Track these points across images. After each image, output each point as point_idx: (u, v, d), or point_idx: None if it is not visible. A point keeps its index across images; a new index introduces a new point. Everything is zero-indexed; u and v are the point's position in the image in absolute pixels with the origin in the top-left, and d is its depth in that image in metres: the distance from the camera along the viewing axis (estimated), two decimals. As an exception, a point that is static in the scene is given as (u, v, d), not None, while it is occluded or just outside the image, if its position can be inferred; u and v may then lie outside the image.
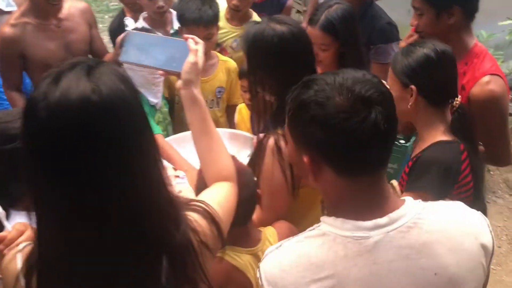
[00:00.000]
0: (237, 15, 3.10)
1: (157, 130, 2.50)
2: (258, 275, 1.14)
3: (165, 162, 2.35)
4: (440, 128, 1.74)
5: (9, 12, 2.95)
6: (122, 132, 0.93)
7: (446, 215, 1.15)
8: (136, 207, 0.96)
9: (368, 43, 2.69)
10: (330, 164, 1.10)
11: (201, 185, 1.42)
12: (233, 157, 1.67)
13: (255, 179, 1.69)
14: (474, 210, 1.19)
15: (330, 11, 2.23)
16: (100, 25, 3.53)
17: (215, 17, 2.61)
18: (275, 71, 1.69)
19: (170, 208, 1.03)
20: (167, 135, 2.60)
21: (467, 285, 1.10)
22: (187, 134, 2.39)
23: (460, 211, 1.18)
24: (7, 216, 1.52)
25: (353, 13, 2.31)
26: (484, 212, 1.88)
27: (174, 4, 2.84)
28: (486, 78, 1.98)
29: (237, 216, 1.33)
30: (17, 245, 1.28)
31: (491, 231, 1.17)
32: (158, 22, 2.82)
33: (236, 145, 2.43)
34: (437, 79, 1.73)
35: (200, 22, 2.53)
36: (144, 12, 2.84)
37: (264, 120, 1.75)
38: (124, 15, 3.12)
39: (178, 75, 1.36)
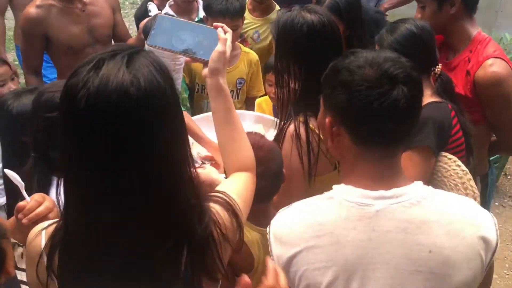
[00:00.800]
0: (260, 6, 3.12)
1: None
2: (267, 230, 1.23)
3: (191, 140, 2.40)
4: (427, 93, 1.87)
5: None
6: (157, 123, 0.94)
7: (452, 203, 1.20)
8: (163, 197, 0.98)
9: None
10: (347, 129, 1.18)
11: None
12: (261, 136, 1.69)
13: None
14: (485, 210, 1.22)
15: None
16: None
17: (242, 9, 2.62)
18: (302, 59, 1.70)
19: (196, 201, 1.05)
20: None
21: (461, 271, 1.13)
22: (207, 115, 2.43)
23: (468, 204, 1.22)
24: (48, 182, 1.59)
25: None
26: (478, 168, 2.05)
27: None
28: (489, 61, 2.04)
29: (262, 190, 1.34)
30: (37, 215, 1.33)
31: (497, 230, 1.19)
32: (184, 9, 2.84)
33: (261, 127, 2.47)
34: (419, 49, 1.89)
35: (227, 14, 2.55)
36: (171, 0, 2.87)
37: (287, 108, 1.76)
38: (149, 0, 3.15)
39: (205, 63, 1.36)
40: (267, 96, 2.75)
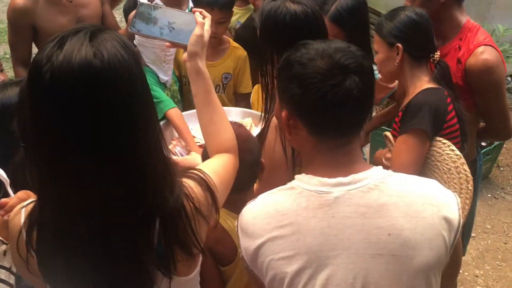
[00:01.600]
0: None
1: (171, 104, 2.53)
2: (236, 223, 1.26)
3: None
4: (425, 79, 1.92)
5: None
6: (122, 96, 0.96)
7: (411, 185, 1.21)
8: (133, 169, 1.00)
9: None
10: (303, 120, 1.20)
11: (204, 156, 1.44)
12: (240, 125, 1.70)
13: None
14: (448, 190, 1.25)
15: (341, 1, 2.28)
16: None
17: (231, 2, 2.60)
18: (284, 49, 1.69)
19: (166, 173, 1.06)
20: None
21: (423, 252, 1.14)
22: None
23: (429, 185, 1.23)
24: None
25: (364, 3, 2.35)
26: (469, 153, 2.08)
27: None
28: (480, 49, 2.06)
29: (239, 180, 1.36)
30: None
31: (459, 209, 1.21)
32: (174, 1, 2.82)
33: (250, 120, 2.47)
34: (419, 36, 1.93)
35: (215, 5, 2.53)
36: None
37: (270, 97, 1.76)
38: None
39: (184, 47, 1.38)
40: None
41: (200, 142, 2.36)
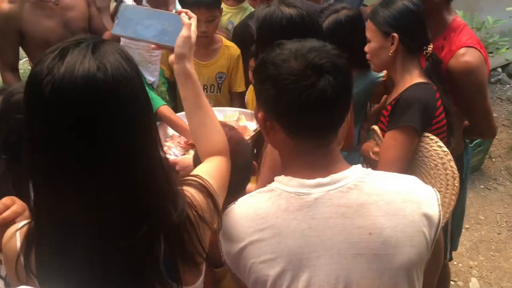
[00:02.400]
0: None
1: (161, 102, 2.52)
2: (217, 227, 1.23)
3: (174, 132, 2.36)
4: (415, 72, 1.90)
5: None
6: (125, 110, 0.93)
7: (391, 183, 1.20)
8: (135, 186, 0.97)
9: None
10: (279, 122, 1.19)
11: (196, 160, 1.43)
12: (231, 128, 1.69)
13: (255, 151, 1.72)
14: (427, 185, 1.24)
15: (335, 16, 2.23)
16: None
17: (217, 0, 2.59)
18: None
19: (168, 188, 1.04)
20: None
21: (404, 250, 1.14)
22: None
23: (409, 182, 1.23)
24: (26, 184, 1.55)
25: (359, 17, 2.29)
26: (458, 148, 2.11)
27: None
28: (462, 51, 2.05)
29: (230, 186, 1.35)
30: (3, 219, 1.28)
31: (439, 205, 1.20)
32: (160, 2, 2.80)
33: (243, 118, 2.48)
34: (415, 27, 1.89)
35: (202, 4, 2.52)
36: None
37: None
38: None
39: (171, 49, 1.35)
40: None
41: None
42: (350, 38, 2.19)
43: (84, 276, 0.98)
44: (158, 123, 2.51)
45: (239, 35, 2.93)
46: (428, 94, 1.85)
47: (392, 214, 1.14)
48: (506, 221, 3.59)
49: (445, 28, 2.13)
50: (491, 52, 4.11)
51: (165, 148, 2.45)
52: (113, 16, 3.14)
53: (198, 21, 2.51)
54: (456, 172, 1.81)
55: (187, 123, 2.34)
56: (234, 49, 2.82)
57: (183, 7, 2.60)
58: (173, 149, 2.42)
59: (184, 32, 1.32)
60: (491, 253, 3.36)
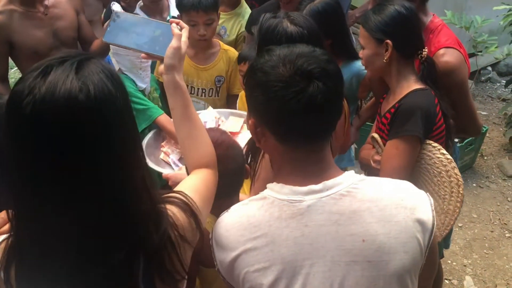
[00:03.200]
0: (230, 0, 3.09)
1: (159, 111, 2.52)
2: (210, 236, 1.23)
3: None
4: (412, 78, 1.89)
5: None
6: (107, 132, 0.92)
7: (383, 189, 1.19)
8: (116, 208, 0.96)
9: None
10: (269, 129, 1.18)
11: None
12: (223, 132, 1.69)
13: (251, 157, 1.72)
14: (420, 190, 1.23)
15: (311, 5, 2.30)
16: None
17: (215, 2, 2.59)
18: None
19: (152, 211, 1.03)
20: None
21: (397, 255, 1.13)
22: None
23: (402, 188, 1.22)
24: None
25: (336, 5, 2.35)
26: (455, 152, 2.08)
27: None
28: (441, 51, 2.08)
29: (223, 188, 1.34)
30: None
31: (433, 210, 1.20)
32: (153, 9, 2.80)
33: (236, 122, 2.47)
34: (408, 32, 1.88)
35: (199, 7, 2.51)
36: (140, 1, 2.83)
37: None
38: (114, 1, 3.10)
39: (161, 59, 1.33)
40: None
41: None
42: (329, 27, 2.23)
43: None
44: (154, 130, 2.51)
45: (256, 20, 2.95)
46: (428, 101, 1.83)
47: (385, 220, 1.14)
48: (499, 219, 3.62)
49: (422, 30, 2.12)
50: (480, 51, 4.14)
51: (161, 156, 2.45)
52: (103, 22, 3.13)
53: (197, 24, 2.56)
54: (460, 179, 1.80)
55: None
56: (232, 52, 2.83)
57: (180, 11, 2.60)
58: (172, 156, 2.41)
59: (174, 42, 1.30)
60: (485, 251, 3.37)
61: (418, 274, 1.20)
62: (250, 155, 1.76)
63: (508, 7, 3.99)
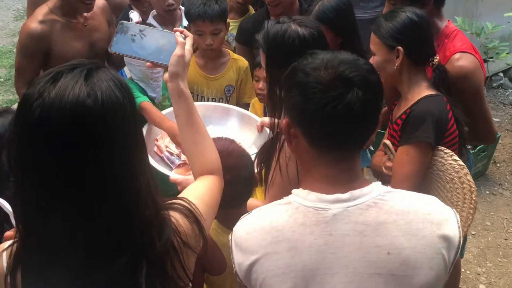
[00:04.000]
0: (238, 8, 3.11)
1: (143, 98, 2.55)
2: (229, 237, 1.22)
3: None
4: (423, 85, 1.88)
5: None
6: (113, 138, 0.94)
7: (410, 202, 1.17)
8: (120, 214, 0.98)
9: None
10: (302, 130, 1.17)
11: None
12: (232, 141, 1.69)
13: (263, 167, 1.72)
14: (447, 206, 1.21)
15: (324, 2, 2.32)
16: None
17: (222, 12, 2.60)
18: None
19: (155, 218, 1.04)
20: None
21: (422, 272, 1.11)
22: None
23: (428, 202, 1.20)
24: None
25: (348, 3, 2.37)
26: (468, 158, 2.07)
27: (183, 0, 2.84)
28: (456, 56, 2.06)
29: (233, 198, 1.34)
30: None
31: (459, 227, 1.17)
32: (167, 19, 2.82)
33: (243, 126, 2.49)
34: (420, 39, 1.87)
35: (206, 17, 2.53)
36: (154, 10, 2.85)
37: (280, 112, 1.76)
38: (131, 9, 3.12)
39: (165, 67, 1.36)
40: None
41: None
42: (340, 25, 2.26)
43: None
44: (147, 124, 2.51)
45: (244, 28, 2.96)
46: (439, 107, 1.82)
47: (411, 234, 1.11)
48: (513, 227, 3.58)
49: (437, 35, 2.14)
50: (491, 57, 4.12)
51: (155, 149, 2.44)
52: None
53: (203, 34, 2.58)
54: (473, 186, 1.78)
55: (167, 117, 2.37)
56: (242, 62, 2.83)
57: (188, 20, 2.62)
58: (166, 153, 2.40)
59: (177, 51, 1.33)
60: (499, 259, 3.33)
61: None
62: (263, 162, 1.76)
63: (519, 13, 3.97)
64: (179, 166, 2.35)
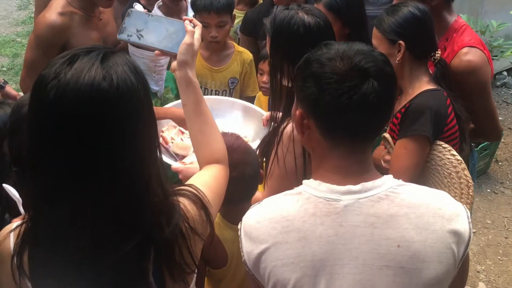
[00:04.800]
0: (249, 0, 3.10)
1: None
2: (239, 226, 1.22)
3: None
4: (424, 79, 1.89)
5: None
6: (127, 122, 0.94)
7: (422, 196, 1.17)
8: (128, 197, 0.98)
9: None
10: (316, 122, 1.16)
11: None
12: (237, 137, 1.70)
13: (264, 159, 1.72)
14: (458, 202, 1.21)
15: None
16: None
17: (228, 5, 2.59)
18: (295, 59, 1.70)
19: (163, 201, 1.04)
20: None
21: (432, 266, 1.11)
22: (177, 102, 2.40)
23: (439, 197, 1.20)
24: None
25: None
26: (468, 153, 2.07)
27: None
28: (464, 50, 2.05)
29: (239, 193, 1.34)
30: None
31: (469, 223, 1.17)
32: (172, 9, 2.81)
33: (248, 118, 2.48)
34: (422, 34, 1.88)
35: (211, 9, 2.52)
36: (159, 0, 2.84)
37: (280, 104, 1.75)
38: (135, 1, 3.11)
39: (174, 56, 1.36)
40: None
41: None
42: (350, 15, 2.25)
43: (76, 284, 0.99)
44: None
45: (250, 18, 2.96)
46: (438, 101, 1.83)
47: (422, 228, 1.11)
48: (514, 225, 3.58)
49: (446, 29, 2.14)
50: (496, 56, 4.11)
51: (160, 140, 2.44)
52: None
53: (209, 26, 2.58)
54: (470, 181, 1.78)
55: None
56: (246, 54, 2.83)
57: (194, 12, 2.62)
58: (171, 144, 2.39)
59: (187, 39, 1.33)
60: (499, 257, 3.34)
61: (448, 286, 1.17)
62: (264, 154, 1.76)
63: (524, 11, 3.95)
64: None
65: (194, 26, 1.37)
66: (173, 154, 2.37)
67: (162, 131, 2.47)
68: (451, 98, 1.88)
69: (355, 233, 1.11)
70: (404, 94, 1.94)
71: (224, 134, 1.63)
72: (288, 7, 1.74)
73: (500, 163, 4.21)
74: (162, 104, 2.69)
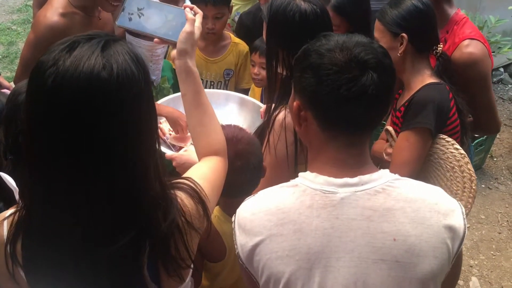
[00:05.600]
0: None
1: None
2: (233, 219, 1.21)
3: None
4: (426, 73, 1.89)
5: None
6: (126, 113, 0.93)
7: (418, 190, 1.17)
8: (126, 190, 0.96)
9: None
10: (314, 113, 1.15)
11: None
12: (241, 128, 1.68)
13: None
14: (453, 198, 1.21)
15: None
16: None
17: None
18: (291, 46, 1.68)
19: (162, 198, 1.03)
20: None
21: (427, 260, 1.11)
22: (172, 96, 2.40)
23: (435, 192, 1.20)
24: None
25: None
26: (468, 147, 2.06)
27: None
28: (465, 42, 2.06)
29: (243, 185, 1.32)
30: None
31: (464, 219, 1.17)
32: None
33: (244, 111, 2.47)
34: (424, 27, 1.88)
35: (209, 1, 2.51)
36: None
37: (274, 92, 1.74)
38: None
39: (174, 44, 1.33)
40: None
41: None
42: (354, 12, 2.26)
43: (70, 275, 0.98)
44: None
45: (244, 22, 2.94)
46: (441, 95, 1.83)
47: (418, 222, 1.11)
48: (507, 221, 3.59)
49: (447, 21, 2.14)
50: (493, 52, 4.11)
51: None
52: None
53: (205, 17, 2.56)
54: (473, 175, 1.78)
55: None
56: (242, 46, 2.82)
57: (191, 2, 2.60)
58: (168, 136, 2.39)
59: (187, 27, 1.30)
60: (492, 252, 3.36)
61: (441, 281, 1.17)
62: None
63: (523, 7, 3.95)
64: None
65: (195, 14, 1.34)
66: (170, 146, 2.36)
67: (160, 123, 2.46)
68: (453, 92, 1.88)
69: (351, 226, 1.10)
70: (407, 88, 1.94)
71: (227, 126, 1.62)
72: None
73: (495, 159, 4.22)
74: (158, 94, 2.68)
